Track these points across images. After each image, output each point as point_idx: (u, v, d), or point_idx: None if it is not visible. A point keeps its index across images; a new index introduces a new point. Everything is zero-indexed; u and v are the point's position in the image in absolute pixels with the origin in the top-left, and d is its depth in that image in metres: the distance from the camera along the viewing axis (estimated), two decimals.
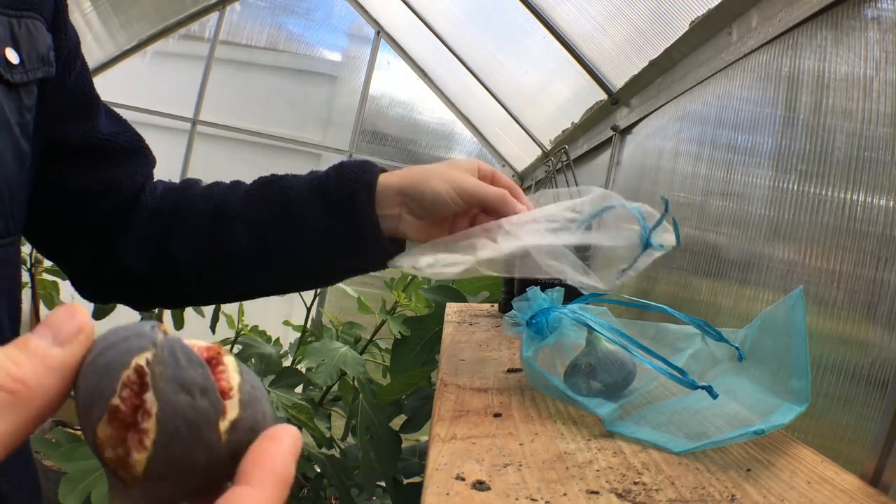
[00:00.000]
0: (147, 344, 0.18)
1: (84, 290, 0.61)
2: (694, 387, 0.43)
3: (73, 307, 0.19)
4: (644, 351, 0.47)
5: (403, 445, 1.29)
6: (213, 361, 0.19)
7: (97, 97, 0.56)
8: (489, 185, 0.57)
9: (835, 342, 0.55)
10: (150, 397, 0.17)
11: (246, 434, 0.19)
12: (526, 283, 0.75)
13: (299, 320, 1.81)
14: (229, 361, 0.20)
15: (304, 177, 0.60)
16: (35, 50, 0.46)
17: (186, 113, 3.25)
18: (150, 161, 0.62)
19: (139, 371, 0.17)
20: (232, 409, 0.18)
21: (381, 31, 3.32)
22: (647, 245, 0.58)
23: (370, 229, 0.56)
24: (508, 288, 0.99)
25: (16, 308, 0.48)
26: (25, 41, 0.45)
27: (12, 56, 0.43)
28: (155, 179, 0.63)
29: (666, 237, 0.59)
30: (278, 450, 0.18)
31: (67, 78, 0.52)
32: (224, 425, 0.18)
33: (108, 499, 0.20)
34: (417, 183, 0.55)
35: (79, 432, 1.74)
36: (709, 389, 0.42)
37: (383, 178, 0.57)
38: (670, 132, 1.16)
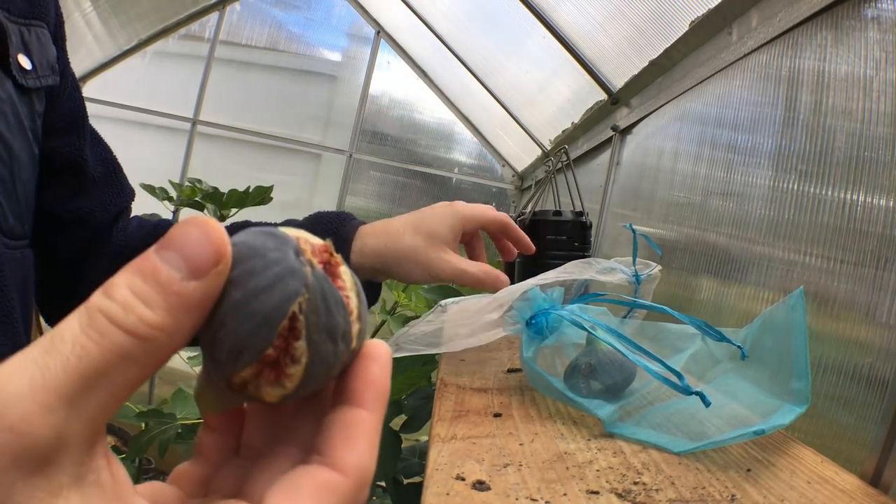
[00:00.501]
0: (300, 287, 0.17)
1: (50, 319, 0.58)
2: (688, 393, 0.43)
3: (205, 223, 0.15)
4: (642, 353, 0.47)
5: (403, 445, 1.29)
6: (330, 269, 0.18)
7: (86, 118, 0.56)
8: (467, 268, 0.58)
9: (835, 342, 0.55)
10: (301, 346, 0.17)
11: (355, 356, 0.19)
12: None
13: None
14: (345, 274, 0.19)
15: (279, 224, 0.60)
16: (45, 57, 0.47)
17: (186, 113, 3.25)
18: (125, 192, 0.60)
19: (293, 318, 0.17)
20: (354, 340, 0.19)
21: (381, 31, 3.32)
22: (638, 280, 0.64)
23: None
24: None
25: (28, 310, 0.48)
26: (36, 48, 0.46)
27: (25, 62, 0.44)
28: (133, 215, 0.61)
29: (651, 269, 0.66)
30: (381, 370, 0.19)
31: (62, 92, 0.52)
32: (347, 358, 0.19)
33: (199, 390, 0.20)
34: (391, 265, 0.57)
35: None
36: (701, 396, 0.42)
37: (360, 241, 0.58)
38: (670, 132, 1.16)
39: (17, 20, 0.44)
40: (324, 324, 0.17)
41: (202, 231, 0.15)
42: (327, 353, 0.18)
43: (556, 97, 2.08)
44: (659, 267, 0.70)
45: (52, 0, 0.49)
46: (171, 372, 2.66)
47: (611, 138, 1.55)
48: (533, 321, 0.55)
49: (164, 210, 2.10)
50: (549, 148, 2.34)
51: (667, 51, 1.15)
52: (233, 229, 0.58)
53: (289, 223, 0.61)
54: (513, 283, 0.97)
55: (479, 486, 0.34)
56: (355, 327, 0.19)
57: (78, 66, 2.97)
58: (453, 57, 2.67)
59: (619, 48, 1.45)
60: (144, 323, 0.14)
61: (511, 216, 1.05)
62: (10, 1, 0.44)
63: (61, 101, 0.52)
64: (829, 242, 0.59)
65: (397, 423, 1.31)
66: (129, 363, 0.14)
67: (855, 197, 0.56)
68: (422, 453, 1.40)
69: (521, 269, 0.93)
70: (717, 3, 0.94)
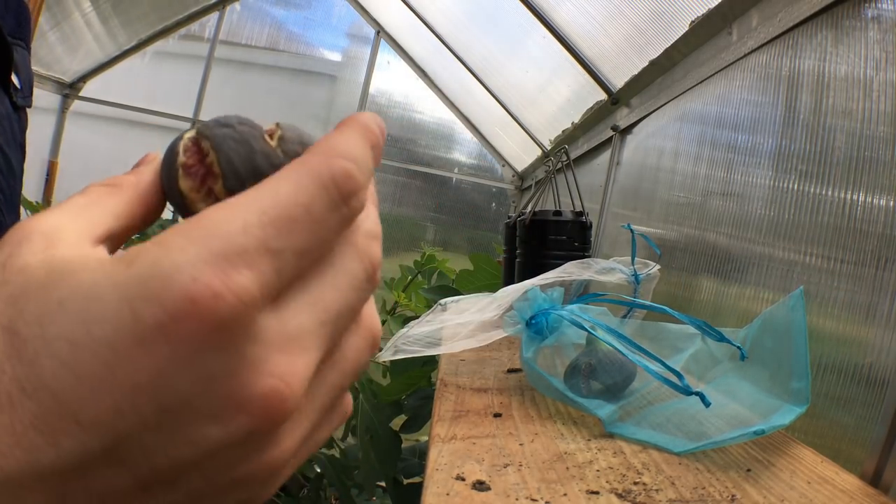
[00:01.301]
0: (191, 128, 0.22)
1: None
2: (687, 393, 0.43)
3: (145, 158, 0.23)
4: (642, 353, 0.47)
5: (403, 445, 1.29)
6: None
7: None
8: None
9: (835, 342, 0.54)
10: (205, 144, 0.21)
11: (299, 146, 0.22)
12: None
13: None
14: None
15: None
16: (28, 78, 0.48)
17: (186, 113, 3.25)
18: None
19: (193, 139, 0.21)
20: (276, 132, 0.22)
21: (381, 30, 3.32)
22: (637, 280, 0.64)
23: None
24: None
25: None
26: (23, 68, 0.47)
27: (16, 81, 0.45)
28: None
29: (650, 269, 0.67)
30: (361, 117, 0.21)
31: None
32: (273, 141, 0.22)
33: None
34: None
35: None
36: (701, 396, 0.42)
37: None
38: (670, 132, 1.16)
39: (8, 38, 0.45)
40: (213, 123, 0.22)
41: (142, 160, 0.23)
42: (227, 133, 0.21)
43: (556, 97, 2.08)
44: (658, 266, 0.70)
45: (30, 21, 0.50)
46: None
47: (611, 138, 1.55)
48: (533, 321, 0.55)
49: (164, 210, 2.10)
50: (549, 148, 2.34)
51: (667, 51, 1.15)
52: None
53: None
54: (513, 283, 0.97)
55: (479, 486, 0.34)
56: (275, 133, 0.22)
57: (78, 65, 2.94)
58: (453, 57, 2.67)
59: (619, 48, 1.45)
60: (106, 183, 0.21)
61: (511, 216, 1.06)
62: (2, 18, 0.44)
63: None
64: (830, 242, 0.59)
65: (397, 423, 1.32)
66: (103, 198, 0.20)
67: (855, 197, 0.56)
68: (422, 453, 1.40)
69: (521, 269, 0.93)
70: (717, 3, 0.94)
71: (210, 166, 0.21)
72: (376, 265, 0.20)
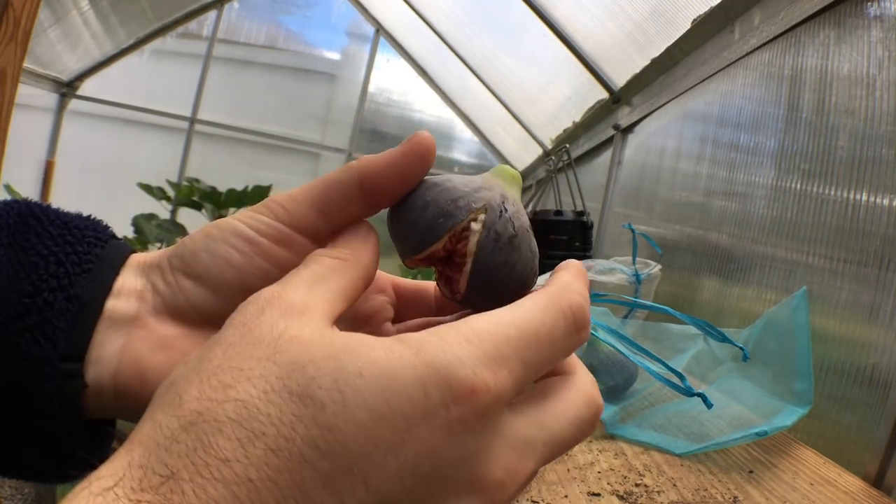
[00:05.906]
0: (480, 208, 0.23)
1: None
2: (689, 394, 0.43)
3: (359, 228, 0.23)
4: (643, 354, 0.47)
5: None
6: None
7: None
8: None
9: (838, 343, 0.54)
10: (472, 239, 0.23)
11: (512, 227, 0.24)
12: None
13: None
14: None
15: None
16: None
17: (184, 112, 3.25)
18: None
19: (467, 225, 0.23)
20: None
21: (380, 29, 3.31)
22: (638, 280, 0.65)
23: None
24: None
25: None
26: None
27: None
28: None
29: (651, 268, 0.67)
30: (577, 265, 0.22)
31: None
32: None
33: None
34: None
35: None
36: (703, 398, 0.42)
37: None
38: (672, 131, 1.16)
39: None
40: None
41: (357, 232, 0.24)
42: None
43: (556, 95, 2.07)
44: (659, 266, 0.70)
45: None
46: None
47: (612, 137, 1.55)
48: None
49: (162, 210, 2.09)
50: (549, 147, 2.34)
51: (668, 49, 1.15)
52: None
53: None
54: None
55: None
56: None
57: (75, 64, 2.94)
58: (453, 55, 2.66)
59: (620, 46, 1.44)
60: (331, 255, 0.22)
61: None
62: None
63: None
64: (832, 242, 0.58)
65: None
66: (335, 273, 0.21)
67: (858, 196, 0.56)
68: None
69: None
70: (719, 1, 0.93)
71: (464, 255, 0.22)
72: (599, 411, 0.21)
